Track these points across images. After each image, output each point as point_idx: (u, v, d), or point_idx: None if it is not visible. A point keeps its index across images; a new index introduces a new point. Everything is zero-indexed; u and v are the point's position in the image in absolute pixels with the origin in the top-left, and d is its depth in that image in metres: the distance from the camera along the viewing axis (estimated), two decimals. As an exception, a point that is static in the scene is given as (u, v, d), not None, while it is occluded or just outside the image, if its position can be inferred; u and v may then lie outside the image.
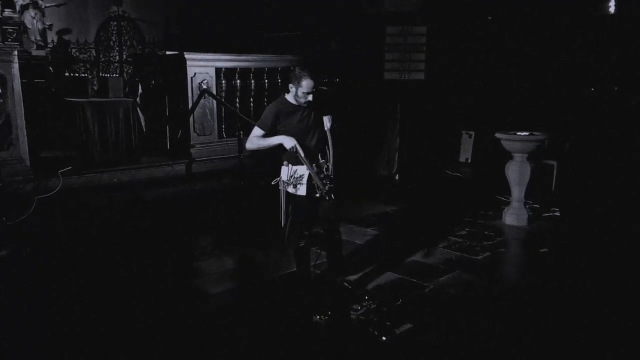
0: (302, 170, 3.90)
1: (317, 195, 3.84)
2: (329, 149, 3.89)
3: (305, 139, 3.88)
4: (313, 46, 10.46)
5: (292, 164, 3.92)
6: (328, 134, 3.90)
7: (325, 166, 3.89)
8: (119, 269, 4.85)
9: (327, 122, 3.92)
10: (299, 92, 3.84)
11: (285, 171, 3.98)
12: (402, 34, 8.46)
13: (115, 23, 11.56)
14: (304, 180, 3.90)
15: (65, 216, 6.15)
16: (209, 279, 4.68)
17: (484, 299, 4.36)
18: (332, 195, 3.83)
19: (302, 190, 3.93)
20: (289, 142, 3.79)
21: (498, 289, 4.57)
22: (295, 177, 3.92)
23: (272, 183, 4.03)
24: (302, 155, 3.78)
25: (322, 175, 3.82)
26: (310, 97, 3.85)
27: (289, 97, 3.95)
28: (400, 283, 4.61)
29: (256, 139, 3.90)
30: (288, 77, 3.96)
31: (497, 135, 6.26)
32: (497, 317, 4.04)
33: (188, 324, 3.86)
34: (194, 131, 8.19)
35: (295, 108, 3.92)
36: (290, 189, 3.96)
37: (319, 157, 3.92)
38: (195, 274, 4.81)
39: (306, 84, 3.81)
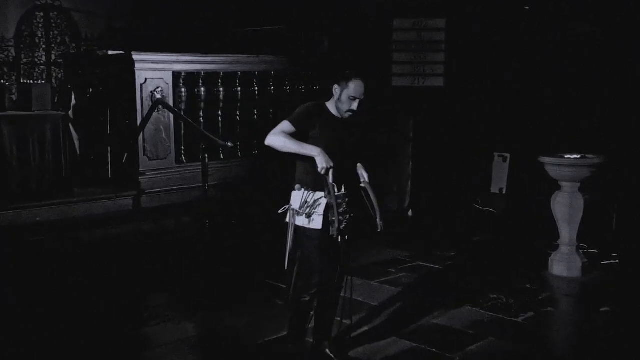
0: (320, 196, 3.99)
1: (330, 233, 3.94)
2: (369, 199, 4.16)
3: (336, 157, 3.99)
4: (300, 44, 10.54)
5: (307, 189, 4.01)
6: (368, 187, 4.16)
7: (347, 200, 4.01)
8: (39, 340, 4.75)
9: (364, 173, 4.22)
10: (344, 95, 4.03)
11: (298, 197, 4.05)
12: (414, 28, 8.56)
13: (42, 14, 11.61)
14: (321, 210, 3.98)
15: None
16: (163, 350, 4.61)
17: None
18: (346, 237, 3.97)
19: (316, 223, 4.00)
20: (325, 160, 3.88)
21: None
22: (310, 204, 4.00)
23: (279, 212, 4.10)
24: (331, 181, 3.89)
25: (342, 209, 3.94)
26: (354, 106, 4.05)
27: (330, 105, 4.14)
28: (417, 354, 4.57)
29: (284, 136, 3.99)
30: (334, 79, 4.13)
31: (541, 159, 6.28)
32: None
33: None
34: (145, 154, 8.16)
35: (334, 120, 4.10)
36: (301, 221, 4.03)
37: (342, 187, 4.02)
38: (144, 345, 4.75)
39: (355, 86, 4.03)
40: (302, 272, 4.13)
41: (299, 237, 4.07)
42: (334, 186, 3.91)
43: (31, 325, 5.00)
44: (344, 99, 4.04)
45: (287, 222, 4.09)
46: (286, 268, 4.10)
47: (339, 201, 3.93)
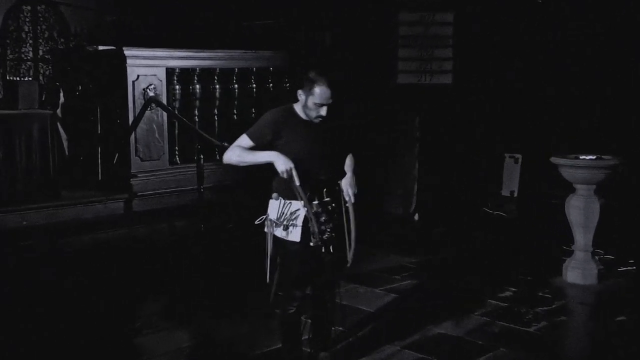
0: (298, 205, 3.92)
1: (312, 243, 3.87)
2: (348, 224, 3.99)
3: (310, 166, 3.91)
4: (301, 40, 10.54)
5: (285, 197, 3.95)
6: (351, 210, 4.00)
7: (330, 206, 3.95)
8: (23, 352, 4.74)
9: (348, 190, 4.03)
10: (310, 102, 3.93)
11: (275, 207, 4.00)
12: (421, 22, 8.56)
13: (29, 8, 11.63)
14: (299, 221, 3.92)
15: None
16: (156, 361, 4.62)
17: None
18: (330, 248, 3.88)
19: (295, 235, 3.94)
20: (282, 162, 3.80)
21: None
22: (287, 215, 3.95)
23: (256, 222, 4.05)
24: (298, 184, 3.81)
25: (323, 218, 3.86)
26: (323, 112, 3.94)
27: (297, 108, 4.05)
28: (423, 366, 4.56)
29: (239, 150, 3.97)
30: (300, 82, 4.05)
31: (554, 160, 6.28)
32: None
33: None
34: (137, 155, 8.18)
35: (304, 125, 4.01)
36: (279, 232, 3.98)
37: (324, 193, 3.96)
38: (136, 356, 4.73)
39: (320, 91, 3.89)
40: (284, 283, 4.08)
41: (278, 247, 4.03)
42: (307, 194, 3.83)
43: (16, 335, 5.00)
44: (310, 105, 3.93)
45: (265, 232, 4.04)
46: (268, 281, 4.04)
47: (319, 210, 3.87)
